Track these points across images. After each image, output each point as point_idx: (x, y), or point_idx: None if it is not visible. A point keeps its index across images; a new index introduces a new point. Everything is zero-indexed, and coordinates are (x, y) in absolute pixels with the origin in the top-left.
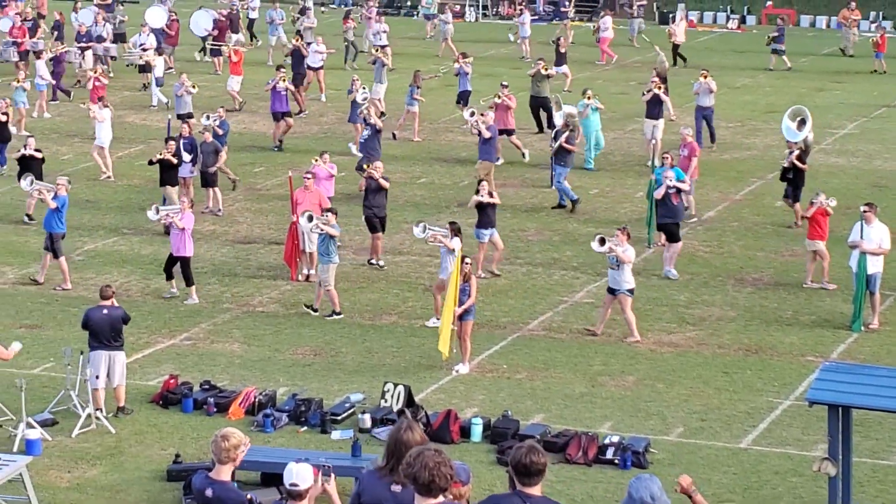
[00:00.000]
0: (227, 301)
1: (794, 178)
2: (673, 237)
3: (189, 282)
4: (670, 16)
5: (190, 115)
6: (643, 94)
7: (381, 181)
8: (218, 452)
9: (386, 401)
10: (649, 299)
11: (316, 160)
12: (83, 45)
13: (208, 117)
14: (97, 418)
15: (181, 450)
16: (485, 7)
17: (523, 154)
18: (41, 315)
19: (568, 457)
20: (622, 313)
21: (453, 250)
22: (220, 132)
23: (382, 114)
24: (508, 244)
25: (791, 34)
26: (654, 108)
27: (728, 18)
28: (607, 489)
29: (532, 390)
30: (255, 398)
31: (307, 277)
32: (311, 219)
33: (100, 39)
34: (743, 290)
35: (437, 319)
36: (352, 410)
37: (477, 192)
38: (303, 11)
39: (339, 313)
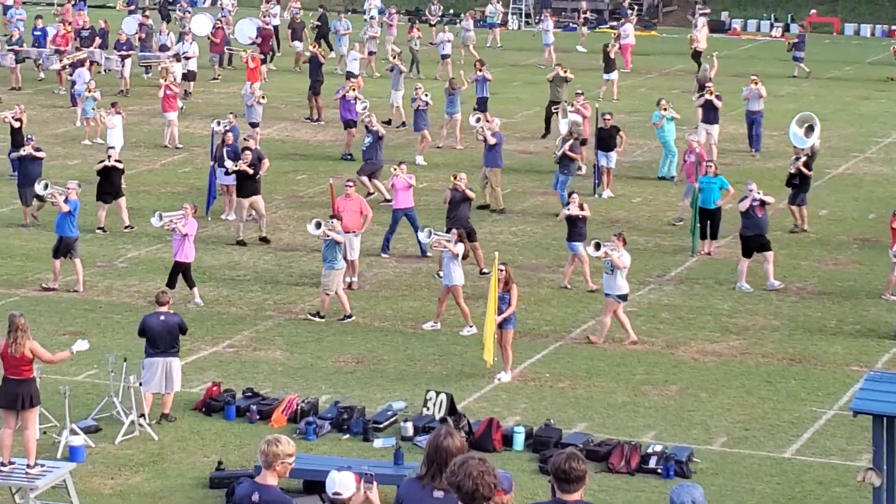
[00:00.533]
0: (269, 308)
1: (800, 184)
2: (764, 247)
3: (191, 284)
4: (693, 22)
5: (256, 125)
6: (695, 100)
7: (468, 192)
8: (267, 456)
9: (428, 409)
10: (692, 308)
11: (394, 170)
12: (123, 53)
13: (219, 123)
14: (140, 425)
15: (224, 457)
16: (527, 15)
17: (580, 167)
18: (85, 322)
19: (610, 466)
20: (602, 316)
21: (457, 255)
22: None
23: (403, 123)
24: (552, 252)
25: (836, 43)
26: (710, 113)
27: (772, 26)
28: (650, 498)
29: (574, 399)
30: (297, 406)
31: (349, 285)
32: (318, 225)
33: (163, 48)
34: (787, 299)
35: (435, 323)
36: (394, 418)
37: (567, 205)
38: (321, 18)
39: (322, 316)
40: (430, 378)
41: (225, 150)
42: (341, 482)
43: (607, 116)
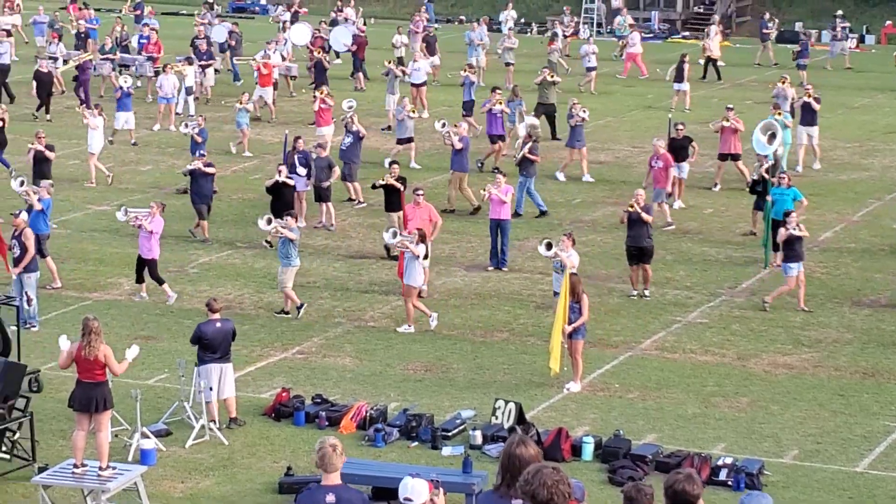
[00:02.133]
0: (338, 315)
1: (763, 191)
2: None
3: (159, 282)
4: (706, 30)
5: (410, 140)
6: (794, 101)
7: (644, 215)
8: (331, 461)
9: (497, 418)
10: (764, 320)
11: (491, 187)
12: (204, 63)
13: (186, 125)
14: (210, 430)
15: (293, 462)
16: (599, 24)
17: (748, 183)
18: (156, 326)
19: None
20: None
21: (418, 256)
22: (200, 140)
23: (389, 127)
24: (622, 262)
25: None
26: (808, 115)
27: (846, 38)
28: None
29: (644, 410)
30: (366, 413)
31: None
32: (269, 221)
33: (224, 50)
34: (860, 312)
35: (409, 326)
36: (462, 427)
37: (784, 224)
38: (333, 23)
39: (287, 312)
40: (499, 387)
41: (296, 156)
42: (413, 488)
43: (680, 127)
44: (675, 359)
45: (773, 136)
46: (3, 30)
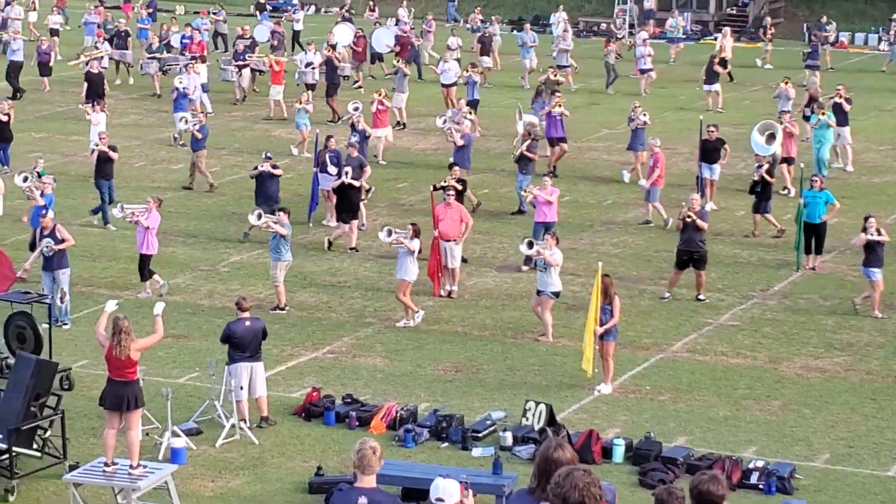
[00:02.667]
0: (369, 315)
1: (762, 192)
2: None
3: (143, 277)
4: (723, 31)
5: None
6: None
7: (699, 221)
8: (369, 463)
9: (527, 419)
10: (796, 323)
11: (530, 191)
12: (240, 63)
13: (186, 121)
14: (241, 429)
15: (323, 462)
16: (631, 26)
17: (787, 188)
18: (187, 325)
19: None
20: (541, 313)
21: (413, 251)
22: (200, 136)
23: (403, 124)
24: (654, 264)
25: None
26: (840, 116)
27: (880, 40)
28: None
29: (675, 412)
30: (396, 413)
31: (449, 293)
32: (259, 216)
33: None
34: (893, 315)
35: (408, 321)
36: (493, 428)
37: (864, 229)
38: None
39: (282, 308)
40: (530, 388)
41: (328, 155)
42: (445, 489)
43: (711, 129)
44: (706, 361)
45: (771, 137)
46: (50, 29)
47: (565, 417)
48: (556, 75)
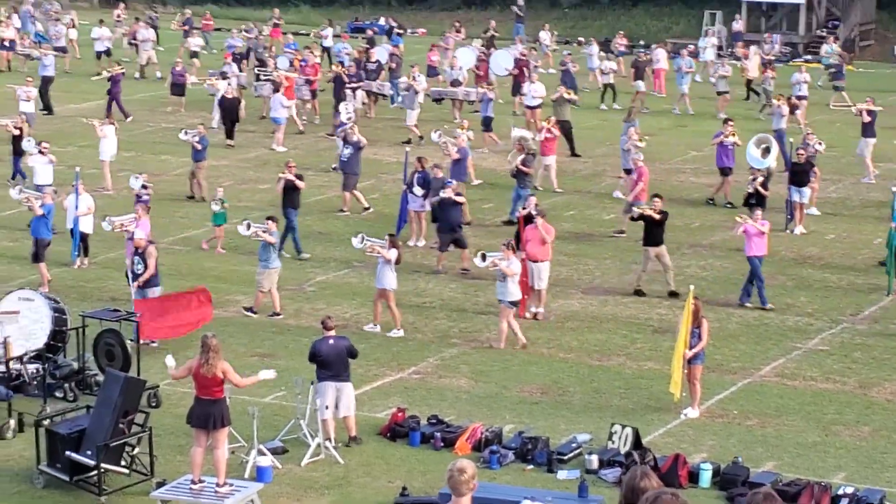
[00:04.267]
0: (454, 336)
1: (756, 204)
2: None
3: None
4: (746, 51)
5: (629, 172)
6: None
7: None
8: (457, 486)
9: (613, 442)
10: (887, 348)
11: (743, 219)
12: (353, 84)
13: (186, 132)
14: (326, 448)
15: (408, 483)
16: (719, 48)
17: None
18: (273, 344)
19: None
20: (499, 322)
21: (390, 261)
22: (199, 147)
23: (421, 137)
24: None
25: None
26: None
27: None
28: None
29: (763, 437)
30: (481, 434)
31: (535, 315)
32: (249, 226)
33: (371, 76)
34: None
35: (375, 325)
36: (578, 451)
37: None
38: (371, 42)
39: (278, 314)
40: (616, 411)
41: (416, 176)
42: None
43: (801, 150)
44: (794, 386)
45: (767, 151)
46: (191, 52)
47: (651, 441)
48: (569, 94)
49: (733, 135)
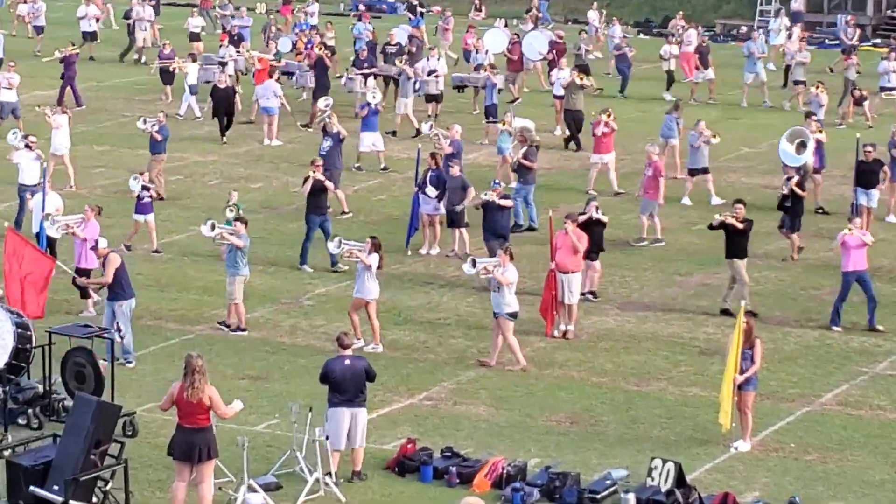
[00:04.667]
0: (472, 357)
1: (792, 207)
2: None
3: (83, 294)
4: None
5: (706, 170)
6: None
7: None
8: None
9: (653, 479)
10: None
11: (850, 230)
12: (365, 71)
13: (145, 121)
14: (326, 484)
15: None
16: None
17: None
18: (266, 365)
19: None
20: (505, 337)
21: (370, 266)
22: (159, 138)
23: (418, 131)
24: (799, 303)
25: None
26: None
27: None
28: None
29: (824, 474)
30: (502, 469)
31: (564, 334)
32: (213, 227)
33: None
34: None
35: (358, 339)
36: (613, 488)
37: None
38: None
39: (244, 329)
40: (656, 443)
41: (429, 175)
42: None
43: (868, 148)
44: (860, 416)
45: (802, 146)
46: (190, 33)
47: (697, 478)
48: (581, 79)
49: (820, 131)
